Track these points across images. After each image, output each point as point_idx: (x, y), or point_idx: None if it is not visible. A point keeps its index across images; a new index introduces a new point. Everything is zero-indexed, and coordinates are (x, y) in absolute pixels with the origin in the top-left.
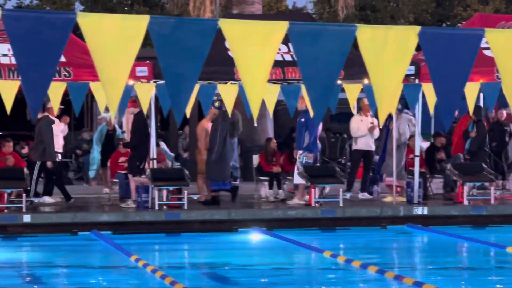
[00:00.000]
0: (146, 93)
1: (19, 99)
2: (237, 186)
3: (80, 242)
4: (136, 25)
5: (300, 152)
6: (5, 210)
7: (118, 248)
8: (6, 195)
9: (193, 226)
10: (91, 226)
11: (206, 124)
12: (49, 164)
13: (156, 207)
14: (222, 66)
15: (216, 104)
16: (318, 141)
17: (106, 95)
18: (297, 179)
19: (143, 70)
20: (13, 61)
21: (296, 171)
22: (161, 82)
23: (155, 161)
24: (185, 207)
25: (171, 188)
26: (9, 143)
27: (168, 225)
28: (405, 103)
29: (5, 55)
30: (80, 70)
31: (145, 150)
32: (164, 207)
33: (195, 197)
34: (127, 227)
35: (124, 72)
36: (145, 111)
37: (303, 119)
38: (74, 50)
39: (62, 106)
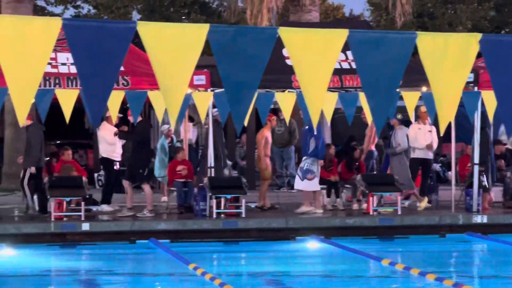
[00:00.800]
0: (204, 101)
1: (77, 108)
2: None
3: (138, 251)
4: (196, 34)
5: (304, 158)
6: (64, 219)
7: (176, 256)
8: (65, 204)
9: (250, 234)
10: (149, 234)
11: (266, 132)
12: (32, 169)
13: (214, 216)
14: (279, 75)
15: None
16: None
17: (166, 104)
18: (298, 185)
19: (201, 79)
20: (72, 70)
21: (296, 177)
22: (218, 90)
23: (212, 170)
24: (243, 215)
25: (228, 196)
26: (68, 151)
27: (225, 233)
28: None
29: (64, 64)
30: (138, 78)
31: (145, 157)
32: (222, 215)
33: (252, 205)
34: (185, 235)
35: (184, 81)
36: (202, 119)
37: (307, 127)
38: (132, 59)
39: (120, 115)
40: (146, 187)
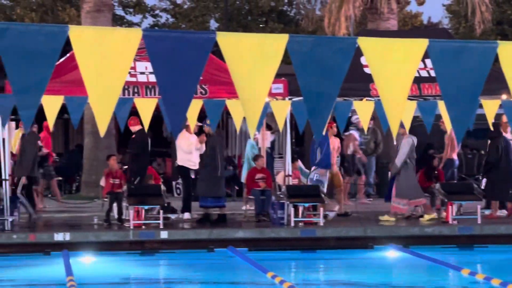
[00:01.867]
0: (282, 110)
1: (156, 116)
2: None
3: (216, 259)
4: (275, 44)
5: (313, 168)
6: (143, 227)
7: (254, 264)
8: (143, 212)
9: (329, 243)
10: (228, 242)
11: (335, 141)
12: (23, 179)
13: (292, 224)
14: (357, 83)
15: (208, 121)
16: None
17: (246, 113)
18: None
19: (278, 87)
20: (151, 79)
21: None
22: (296, 99)
23: (290, 178)
24: (321, 223)
25: (306, 205)
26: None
27: (303, 241)
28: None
29: (142, 73)
30: (216, 87)
31: (141, 168)
32: (300, 223)
33: (331, 213)
34: (263, 243)
35: (263, 90)
36: (280, 128)
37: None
38: (211, 68)
39: (199, 124)
40: None
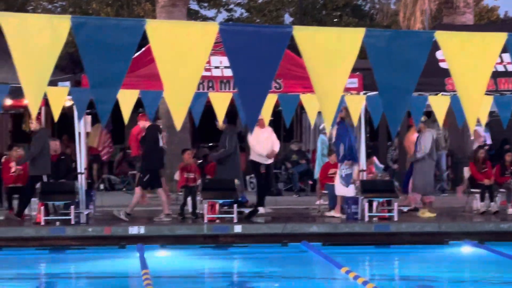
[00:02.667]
0: (356, 104)
1: (230, 111)
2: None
3: (290, 253)
4: (351, 38)
5: (339, 165)
6: (217, 221)
7: (328, 259)
8: (218, 206)
9: (403, 238)
10: (301, 237)
11: (412, 136)
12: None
13: (366, 219)
14: (433, 77)
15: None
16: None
17: (321, 108)
18: (338, 190)
19: (353, 82)
20: (225, 74)
21: (336, 182)
22: (371, 93)
23: (364, 173)
24: (395, 219)
25: (380, 200)
26: None
27: (377, 236)
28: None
29: (217, 67)
30: (290, 82)
31: (153, 164)
32: (374, 218)
33: (405, 209)
34: (336, 238)
35: (339, 85)
36: (355, 122)
37: (335, 131)
38: (285, 62)
39: (271, 118)
40: (160, 192)
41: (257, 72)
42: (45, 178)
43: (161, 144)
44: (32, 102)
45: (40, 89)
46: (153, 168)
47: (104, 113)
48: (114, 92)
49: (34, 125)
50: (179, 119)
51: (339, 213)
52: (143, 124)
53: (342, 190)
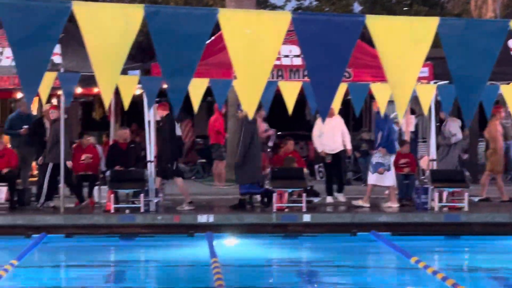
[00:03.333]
0: (427, 94)
1: (299, 100)
2: (270, 191)
3: (359, 243)
4: (425, 27)
5: (375, 152)
6: (286, 210)
7: (397, 249)
8: (287, 195)
9: (473, 228)
10: (370, 227)
11: (497, 125)
12: (69, 163)
13: (436, 209)
14: (505, 66)
15: (242, 107)
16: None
17: (395, 97)
18: (370, 179)
19: (423, 71)
20: (295, 62)
21: (368, 172)
22: (442, 82)
23: (434, 162)
24: (466, 209)
25: (451, 189)
26: (291, 141)
27: (447, 227)
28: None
29: (286, 56)
30: (360, 70)
31: (171, 153)
32: (444, 208)
33: (475, 199)
34: (405, 228)
35: (413, 74)
36: (425, 112)
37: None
38: (355, 51)
39: (341, 107)
40: (179, 181)
41: (330, 61)
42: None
43: (178, 133)
44: (104, 91)
45: (113, 79)
46: (173, 158)
47: (177, 102)
48: (186, 81)
49: (55, 114)
50: (251, 108)
51: (367, 203)
52: (161, 113)
53: (371, 179)
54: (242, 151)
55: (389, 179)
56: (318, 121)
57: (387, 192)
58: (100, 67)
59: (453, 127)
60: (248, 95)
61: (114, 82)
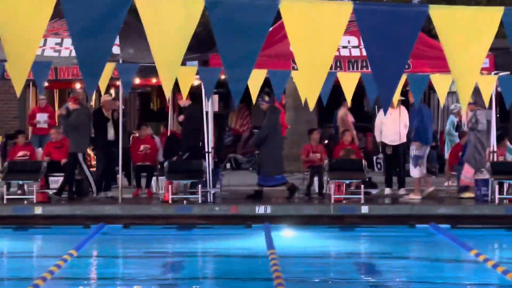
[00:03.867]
0: (488, 85)
1: (357, 91)
2: (294, 185)
3: (418, 235)
4: (489, 17)
5: (411, 144)
6: (344, 201)
7: (457, 241)
8: (344, 186)
9: None
10: (429, 218)
11: None
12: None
13: (496, 201)
14: None
15: (266, 98)
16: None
17: (458, 88)
18: (413, 173)
19: (484, 62)
20: (353, 53)
21: (410, 165)
22: (503, 73)
23: (495, 154)
24: None
25: (511, 182)
26: (349, 132)
27: (508, 219)
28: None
29: (345, 47)
30: (419, 61)
31: (193, 142)
32: (505, 201)
33: None
34: (465, 220)
35: (476, 65)
36: (486, 103)
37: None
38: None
39: (402, 98)
40: None
41: (392, 51)
42: (80, 157)
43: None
44: (165, 82)
45: (174, 69)
46: (191, 146)
47: (237, 93)
48: (247, 72)
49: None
50: (312, 99)
51: (418, 195)
52: (183, 103)
53: (413, 172)
54: (256, 140)
55: (416, 171)
56: (381, 112)
57: (446, 183)
58: (160, 58)
59: (483, 116)
60: (309, 86)
61: (175, 73)
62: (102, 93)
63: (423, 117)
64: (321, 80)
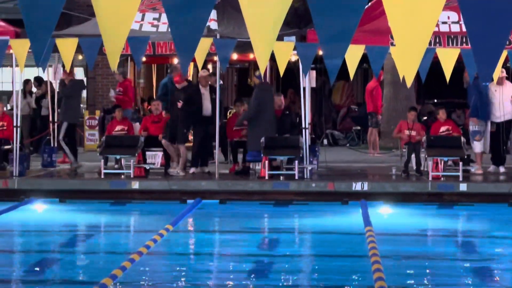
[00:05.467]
0: None
1: (456, 67)
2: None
3: None
4: None
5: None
6: (442, 178)
7: None
8: (442, 163)
9: None
10: None
11: None
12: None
13: None
14: None
15: (257, 73)
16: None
17: None
18: (475, 148)
19: None
20: (453, 29)
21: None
22: None
23: None
24: None
25: None
26: (442, 110)
27: None
28: None
29: (444, 22)
30: None
31: (191, 118)
32: None
33: None
34: None
35: None
36: None
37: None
38: None
39: (504, 74)
40: (182, 148)
41: (493, 27)
42: (64, 126)
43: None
44: (260, 57)
45: (269, 45)
46: (188, 124)
47: (334, 68)
48: (344, 47)
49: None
50: (410, 76)
51: (480, 169)
52: (179, 85)
53: (476, 147)
54: (245, 116)
55: (478, 146)
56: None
57: None
58: (256, 33)
59: None
60: (407, 62)
61: (270, 49)
62: (199, 68)
63: (481, 93)
64: (419, 57)
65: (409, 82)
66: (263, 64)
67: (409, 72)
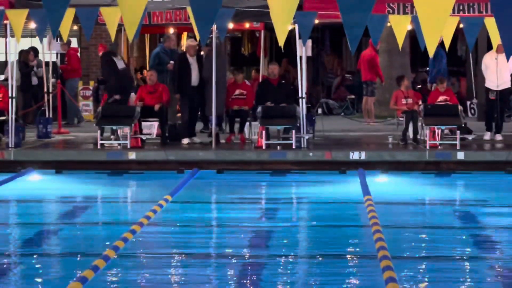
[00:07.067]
0: None
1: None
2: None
3: None
4: None
5: None
6: (439, 147)
7: None
8: (440, 132)
9: None
10: None
11: None
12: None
13: None
14: None
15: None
16: None
17: None
18: None
19: None
20: None
21: None
22: None
23: None
24: None
25: None
26: (444, 80)
27: None
28: None
29: None
30: None
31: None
32: None
33: None
34: None
35: None
36: None
37: None
38: None
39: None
40: None
41: None
42: None
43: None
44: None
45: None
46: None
47: (354, 38)
48: (364, 17)
49: None
50: (432, 45)
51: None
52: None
53: None
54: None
55: None
56: (487, 55)
57: None
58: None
59: None
60: (430, 31)
61: (289, 20)
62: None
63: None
64: (442, 26)
65: (431, 52)
66: (282, 38)
67: (431, 40)
